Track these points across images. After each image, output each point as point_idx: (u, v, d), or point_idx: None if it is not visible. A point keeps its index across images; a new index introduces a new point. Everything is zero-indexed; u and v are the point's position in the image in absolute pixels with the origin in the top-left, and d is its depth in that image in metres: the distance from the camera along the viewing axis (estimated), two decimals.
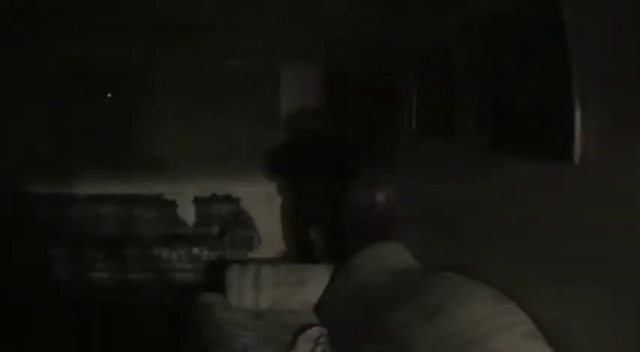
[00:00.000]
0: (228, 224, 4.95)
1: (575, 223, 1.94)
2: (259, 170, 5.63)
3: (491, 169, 2.47)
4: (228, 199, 5.43)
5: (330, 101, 5.40)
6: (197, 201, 5.27)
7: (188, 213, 5.14)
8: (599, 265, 1.82)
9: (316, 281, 3.50)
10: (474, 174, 2.61)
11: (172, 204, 5.15)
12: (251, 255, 4.85)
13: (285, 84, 5.63)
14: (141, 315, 4.08)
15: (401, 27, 3.33)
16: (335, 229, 5.34)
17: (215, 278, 4.60)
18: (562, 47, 1.96)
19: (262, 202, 5.62)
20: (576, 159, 1.93)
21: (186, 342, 3.03)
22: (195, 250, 4.57)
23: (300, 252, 5.15)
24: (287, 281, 3.49)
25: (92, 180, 5.15)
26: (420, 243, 3.22)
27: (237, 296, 3.43)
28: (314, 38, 5.19)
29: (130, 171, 5.15)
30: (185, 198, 5.21)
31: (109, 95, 5.28)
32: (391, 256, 3.27)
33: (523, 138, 2.25)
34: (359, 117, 5.26)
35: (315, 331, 2.97)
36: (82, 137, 5.17)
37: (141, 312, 4.12)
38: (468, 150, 2.67)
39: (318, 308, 3.43)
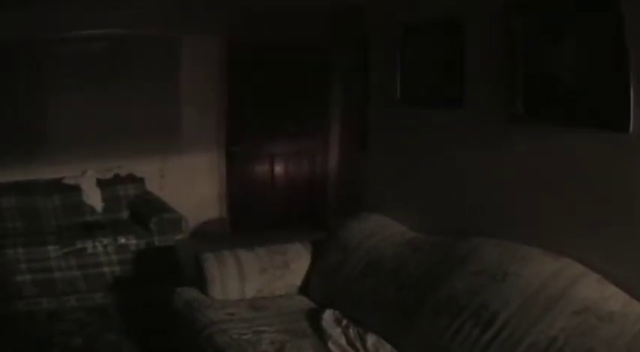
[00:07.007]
0: (150, 207, 4.45)
1: (626, 186, 2.08)
2: (154, 146, 5.20)
3: (528, 138, 2.49)
4: (133, 179, 4.89)
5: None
6: (100, 183, 4.66)
7: (94, 198, 4.51)
8: None
9: (299, 262, 3.31)
10: (503, 143, 2.61)
11: (75, 189, 4.48)
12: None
13: (185, 56, 5.20)
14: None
15: None
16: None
17: (145, 268, 4.16)
18: (617, 22, 2.01)
19: (154, 180, 5.19)
20: (631, 130, 2.05)
21: None
22: (122, 239, 4.03)
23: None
24: (271, 265, 3.23)
25: None
26: (416, 213, 3.18)
27: (222, 288, 3.11)
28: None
29: (20, 155, 4.39)
30: (88, 181, 4.57)
31: None
32: (384, 227, 3.19)
33: (568, 109, 2.30)
34: None
35: (328, 314, 2.80)
36: None
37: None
38: (490, 120, 2.67)
39: (303, 289, 3.26)
